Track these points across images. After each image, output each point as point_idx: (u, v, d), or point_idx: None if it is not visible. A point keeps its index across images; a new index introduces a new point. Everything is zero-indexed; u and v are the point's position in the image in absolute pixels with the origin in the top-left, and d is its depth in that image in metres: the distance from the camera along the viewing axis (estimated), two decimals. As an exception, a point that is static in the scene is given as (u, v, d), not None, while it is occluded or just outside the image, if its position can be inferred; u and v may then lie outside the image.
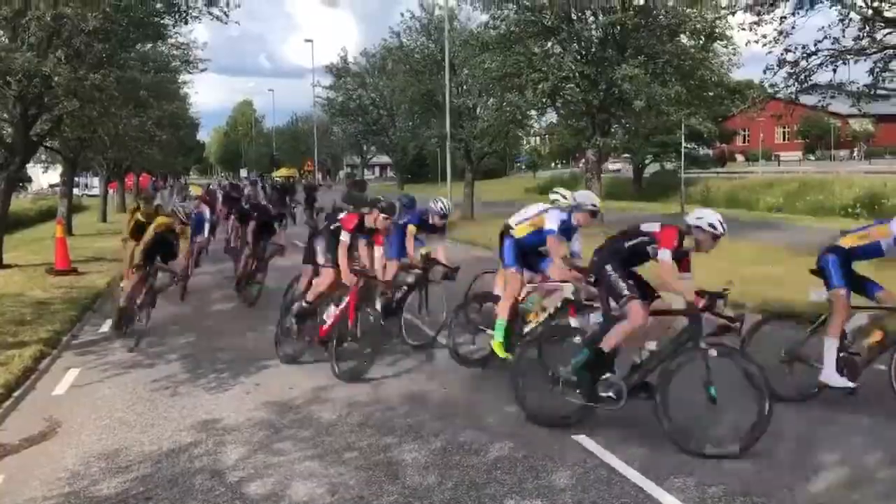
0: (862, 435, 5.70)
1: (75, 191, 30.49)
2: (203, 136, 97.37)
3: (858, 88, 14.23)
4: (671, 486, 4.86)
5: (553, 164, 77.11)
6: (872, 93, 13.92)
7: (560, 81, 20.00)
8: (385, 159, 57.95)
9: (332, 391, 7.11)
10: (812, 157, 62.33)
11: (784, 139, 66.87)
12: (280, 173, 76.31)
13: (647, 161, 43.01)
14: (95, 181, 45.95)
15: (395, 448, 5.68)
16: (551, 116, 27.29)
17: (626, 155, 41.90)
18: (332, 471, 5.25)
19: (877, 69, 13.38)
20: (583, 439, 5.67)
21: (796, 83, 14.32)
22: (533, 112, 25.43)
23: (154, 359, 8.57)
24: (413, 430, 6.03)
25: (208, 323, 10.67)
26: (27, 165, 21.91)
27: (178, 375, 7.81)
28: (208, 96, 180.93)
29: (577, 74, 19.61)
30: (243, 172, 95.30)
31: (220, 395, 7.12)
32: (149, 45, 20.76)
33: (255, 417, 6.42)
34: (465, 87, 32.98)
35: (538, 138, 68.05)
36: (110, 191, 37.59)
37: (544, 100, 21.09)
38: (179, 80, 31.89)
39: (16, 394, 7.15)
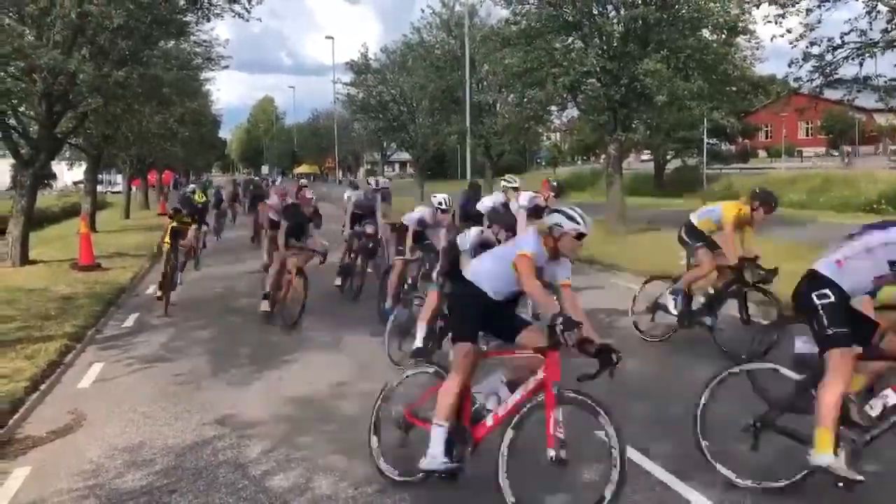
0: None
1: (99, 187, 30.78)
2: (225, 133, 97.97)
3: (885, 82, 14.05)
4: (696, 482, 4.81)
5: (573, 160, 76.75)
6: (900, 86, 13.74)
7: (581, 76, 19.88)
8: (405, 156, 57.85)
9: (354, 386, 7.11)
10: (835, 153, 61.52)
11: (807, 135, 66.13)
12: (301, 170, 76.84)
13: (668, 157, 42.68)
14: (119, 178, 46.33)
15: (419, 442, 5.65)
16: (572, 112, 27.11)
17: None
18: (354, 464, 5.25)
19: (905, 62, 13.20)
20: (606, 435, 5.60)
21: (821, 77, 14.17)
22: (553, 107, 25.28)
23: (177, 353, 8.65)
24: (435, 424, 6.00)
25: (231, 318, 10.73)
26: (52, 162, 22.12)
27: (200, 370, 7.87)
28: (230, 93, 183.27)
29: (598, 69, 19.49)
30: (265, 169, 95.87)
31: (243, 389, 7.16)
32: (171, 43, 20.91)
33: (278, 412, 6.44)
34: (485, 83, 32.98)
35: (558, 134, 67.76)
36: (133, 188, 37.92)
37: (565, 94, 20.96)
38: (201, 78, 32.19)
39: (42, 387, 7.21)
